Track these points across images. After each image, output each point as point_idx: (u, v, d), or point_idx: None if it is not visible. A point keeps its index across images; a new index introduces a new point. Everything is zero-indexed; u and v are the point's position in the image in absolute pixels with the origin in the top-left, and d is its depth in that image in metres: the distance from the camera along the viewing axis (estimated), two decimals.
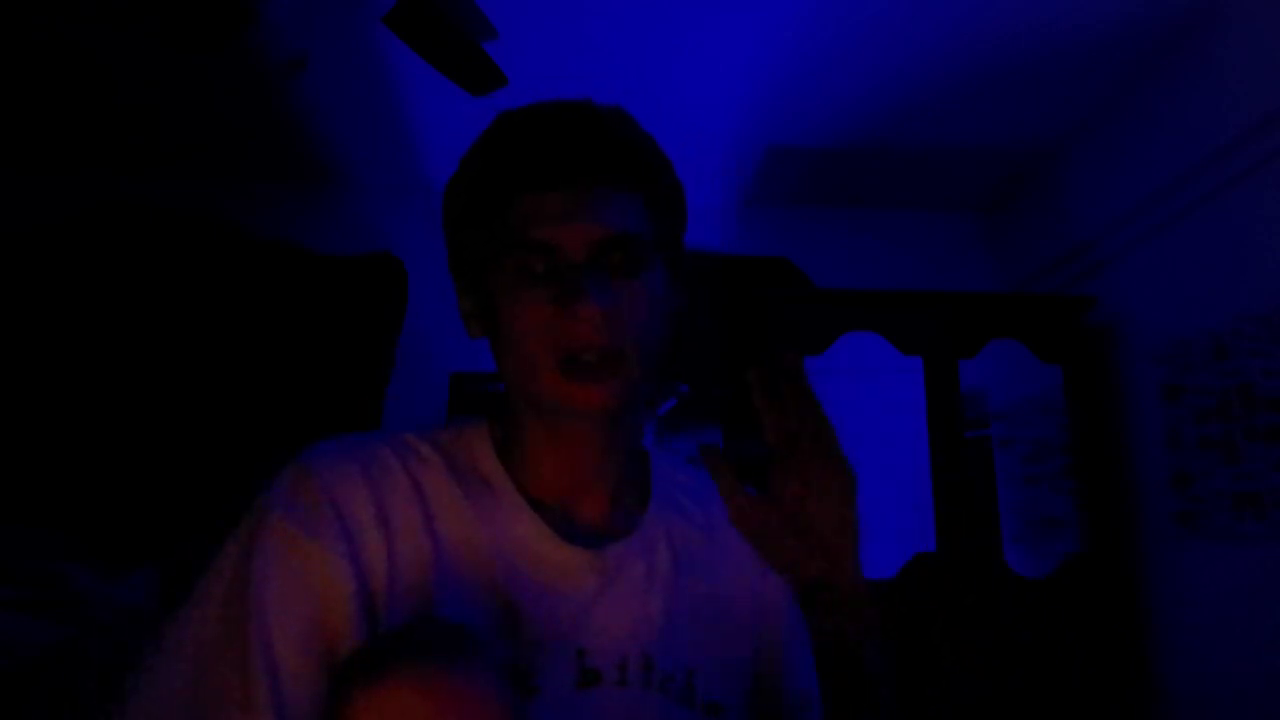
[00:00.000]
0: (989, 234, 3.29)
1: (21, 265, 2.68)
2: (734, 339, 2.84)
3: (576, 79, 2.40)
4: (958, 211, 3.31)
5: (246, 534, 0.61)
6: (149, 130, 2.76)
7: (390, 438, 0.68)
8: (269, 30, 2.11)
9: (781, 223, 3.22)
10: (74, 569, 1.74)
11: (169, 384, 2.65)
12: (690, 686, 0.68)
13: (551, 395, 0.64)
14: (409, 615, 0.61)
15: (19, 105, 2.59)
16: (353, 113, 2.64)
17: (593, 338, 0.62)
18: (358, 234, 2.96)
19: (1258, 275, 2.04)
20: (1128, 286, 2.56)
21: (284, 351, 2.77)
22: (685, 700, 0.67)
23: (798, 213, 3.25)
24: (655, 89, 2.48)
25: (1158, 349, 2.38)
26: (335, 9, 2.09)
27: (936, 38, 2.25)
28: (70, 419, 2.57)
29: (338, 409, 2.74)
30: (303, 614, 0.58)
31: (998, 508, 2.68)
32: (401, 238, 2.94)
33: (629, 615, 0.68)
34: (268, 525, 0.60)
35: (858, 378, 2.69)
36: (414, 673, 0.48)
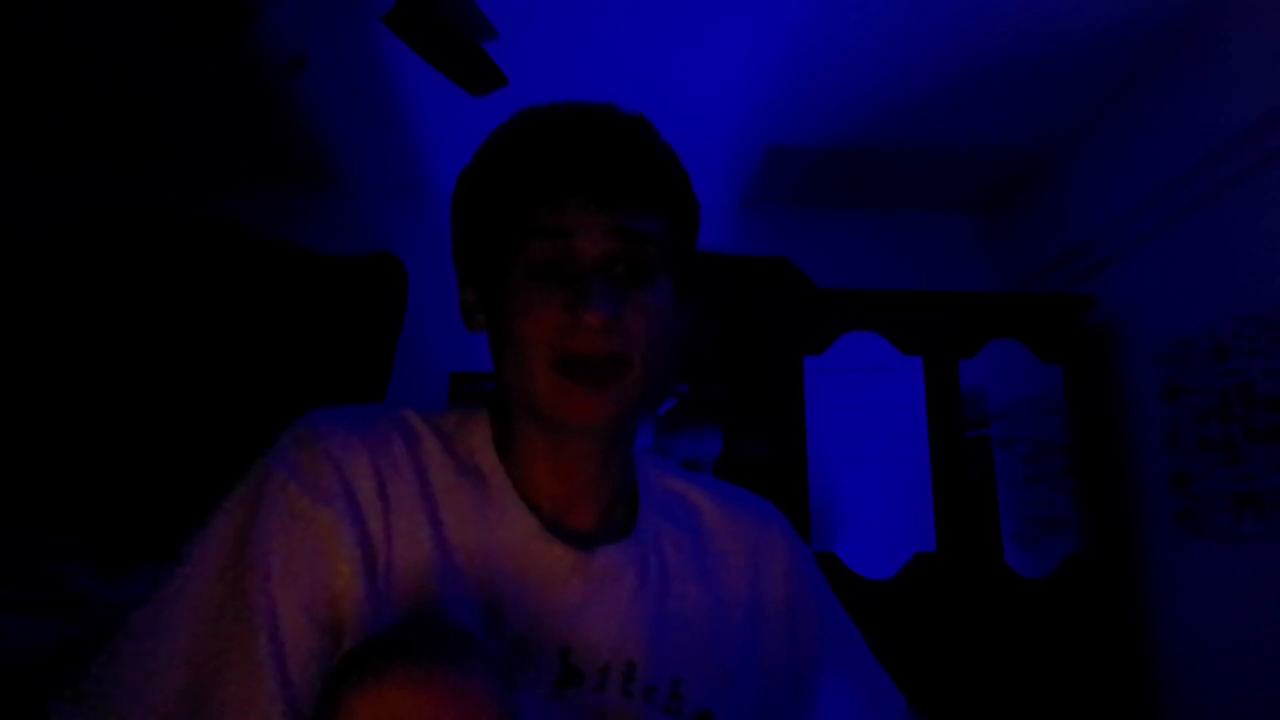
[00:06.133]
0: (989, 234, 3.29)
1: (26, 266, 2.68)
2: (734, 339, 2.84)
3: (577, 79, 2.40)
4: (958, 211, 3.31)
5: (249, 494, 0.61)
6: (149, 130, 2.76)
7: (392, 415, 0.68)
8: (269, 30, 2.11)
9: (781, 223, 3.22)
10: (74, 569, 1.74)
11: (169, 383, 2.65)
12: (677, 695, 0.67)
13: (550, 403, 0.64)
14: (408, 596, 0.61)
15: (19, 104, 2.59)
16: (353, 113, 2.64)
17: (597, 345, 0.62)
18: (358, 234, 2.96)
19: (1258, 275, 2.04)
20: (1128, 286, 2.55)
21: (285, 351, 2.77)
22: (672, 710, 0.67)
23: (798, 213, 3.24)
24: (655, 89, 2.48)
25: (1158, 349, 2.38)
26: (335, 9, 2.09)
27: (936, 37, 2.25)
28: (71, 419, 2.57)
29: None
30: (306, 576, 0.58)
31: (998, 508, 2.67)
32: (401, 238, 2.94)
33: (616, 623, 0.67)
34: (272, 487, 0.60)
35: (858, 378, 2.69)
36: (410, 672, 0.48)
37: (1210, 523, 2.15)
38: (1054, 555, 2.52)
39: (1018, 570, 2.44)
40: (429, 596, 0.62)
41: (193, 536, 0.61)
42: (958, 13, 2.15)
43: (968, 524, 2.42)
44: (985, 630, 2.33)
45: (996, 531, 2.57)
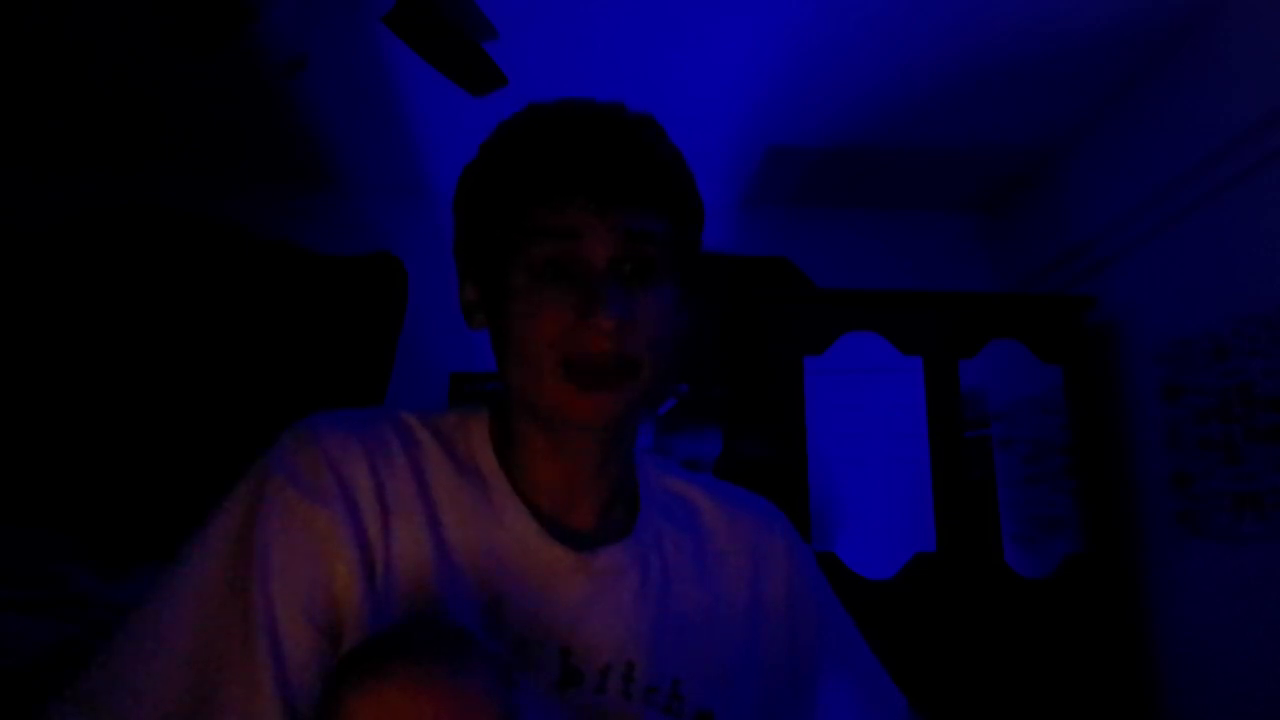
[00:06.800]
0: (989, 234, 3.29)
1: (26, 266, 2.68)
2: (734, 339, 2.84)
3: (577, 79, 2.40)
4: (958, 211, 3.31)
5: (248, 494, 0.61)
6: (150, 130, 2.76)
7: (390, 417, 0.69)
8: (269, 30, 2.11)
9: (781, 223, 3.22)
10: (74, 569, 1.74)
11: (169, 384, 2.65)
12: (677, 696, 0.67)
13: (554, 402, 0.64)
14: (407, 597, 0.61)
15: (19, 104, 2.59)
16: (353, 113, 2.64)
17: (605, 347, 0.62)
18: (358, 234, 2.96)
19: (1258, 275, 2.03)
20: (1128, 286, 2.55)
21: (285, 351, 2.77)
22: (673, 711, 0.67)
23: (798, 213, 3.24)
24: (655, 89, 2.48)
25: (1158, 349, 2.38)
26: (335, 9, 2.09)
27: (936, 37, 2.25)
28: (72, 420, 2.57)
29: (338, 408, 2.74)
30: (305, 577, 0.59)
31: (998, 508, 2.67)
32: (401, 238, 2.94)
33: (618, 624, 0.67)
34: (270, 488, 0.61)
35: (858, 378, 2.69)
36: (410, 672, 0.48)
37: (1210, 523, 2.15)
38: (1054, 555, 2.52)
39: (1018, 570, 2.43)
40: (428, 597, 0.62)
41: (193, 537, 0.61)
42: (958, 13, 2.15)
43: (968, 524, 2.42)
44: (985, 630, 2.33)
45: (996, 531, 2.57)
